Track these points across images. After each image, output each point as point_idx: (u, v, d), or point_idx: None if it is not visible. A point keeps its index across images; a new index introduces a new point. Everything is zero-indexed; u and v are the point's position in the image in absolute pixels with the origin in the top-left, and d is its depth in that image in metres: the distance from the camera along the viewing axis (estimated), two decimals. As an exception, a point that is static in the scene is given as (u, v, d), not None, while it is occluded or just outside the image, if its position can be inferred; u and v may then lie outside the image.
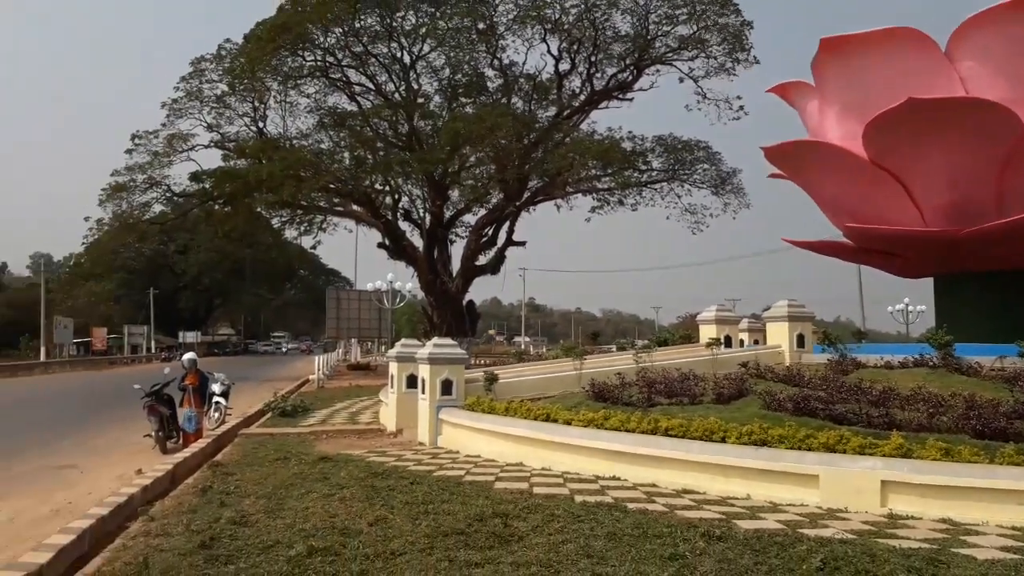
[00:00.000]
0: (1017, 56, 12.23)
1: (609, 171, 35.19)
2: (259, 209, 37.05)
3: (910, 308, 39.31)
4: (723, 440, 8.75)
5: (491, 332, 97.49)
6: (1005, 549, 6.05)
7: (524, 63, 37.88)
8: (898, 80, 12.70)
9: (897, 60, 13.06)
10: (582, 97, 37.10)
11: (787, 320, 15.55)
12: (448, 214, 39.04)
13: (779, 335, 15.75)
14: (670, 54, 34.98)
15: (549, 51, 35.87)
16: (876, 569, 5.39)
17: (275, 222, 40.55)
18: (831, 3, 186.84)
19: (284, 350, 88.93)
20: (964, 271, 14.21)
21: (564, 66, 36.18)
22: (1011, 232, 12.31)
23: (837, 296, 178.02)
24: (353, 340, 48.80)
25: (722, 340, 17.51)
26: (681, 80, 35.36)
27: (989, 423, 8.34)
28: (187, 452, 11.04)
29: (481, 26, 34.71)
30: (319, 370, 27.99)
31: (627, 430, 9.49)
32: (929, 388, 9.71)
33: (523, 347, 51.41)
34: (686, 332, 21.76)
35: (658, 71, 35.94)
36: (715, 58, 34.42)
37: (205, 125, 35.62)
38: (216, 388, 14.46)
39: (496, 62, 36.48)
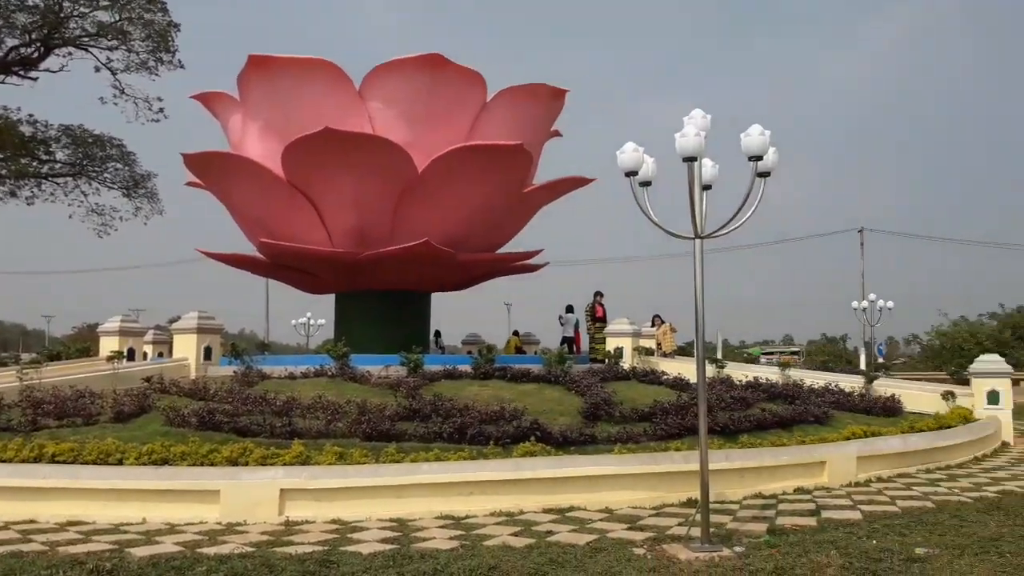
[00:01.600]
0: (416, 103, 14.09)
1: (1, 157, 30.00)
2: None
3: (311, 322, 41.67)
4: (120, 462, 8.07)
5: None
6: (385, 541, 6.79)
7: None
8: (318, 108, 13.50)
9: (318, 89, 13.87)
10: (-26, 66, 30.84)
11: (196, 332, 15.18)
12: None
13: (187, 347, 15.29)
14: (86, 38, 31.53)
15: (-71, 3, 28.91)
16: (273, 578, 5.50)
17: None
18: (269, 25, 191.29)
19: None
20: (364, 289, 15.80)
21: (-49, 26, 29.61)
22: (400, 258, 14.12)
23: (244, 309, 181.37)
24: None
25: (125, 353, 16.40)
26: (98, 69, 32.10)
27: (377, 426, 9.34)
28: None
29: None
30: None
31: (3, 460, 8.15)
32: (328, 396, 10.41)
33: None
34: (84, 345, 19.73)
35: (71, 54, 32.00)
36: (137, 53, 32.21)
37: None
38: None
39: None
